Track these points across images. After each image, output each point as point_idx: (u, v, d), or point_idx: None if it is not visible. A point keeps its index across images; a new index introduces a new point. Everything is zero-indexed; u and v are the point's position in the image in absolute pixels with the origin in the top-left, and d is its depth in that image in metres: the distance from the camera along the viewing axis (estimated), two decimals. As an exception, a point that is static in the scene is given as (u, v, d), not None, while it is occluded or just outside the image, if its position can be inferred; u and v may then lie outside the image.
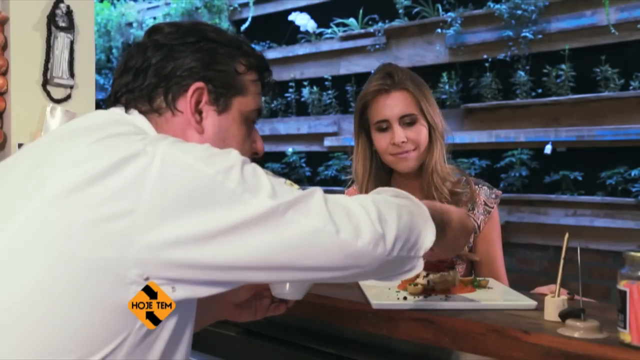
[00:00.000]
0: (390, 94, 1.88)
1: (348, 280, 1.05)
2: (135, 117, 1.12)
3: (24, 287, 0.91)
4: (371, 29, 4.75)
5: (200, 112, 1.13)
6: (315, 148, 5.09)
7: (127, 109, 1.13)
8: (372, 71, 2.03)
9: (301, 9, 5.18)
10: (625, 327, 1.06)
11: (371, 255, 0.98)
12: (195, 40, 1.14)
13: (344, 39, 4.94)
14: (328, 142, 4.94)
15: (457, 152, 4.05)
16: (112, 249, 0.90)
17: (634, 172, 3.58)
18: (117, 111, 1.13)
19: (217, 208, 0.92)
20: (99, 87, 6.20)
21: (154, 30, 1.18)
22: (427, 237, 1.08)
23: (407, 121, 1.87)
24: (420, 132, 1.88)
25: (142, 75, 1.13)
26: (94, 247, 0.90)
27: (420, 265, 1.08)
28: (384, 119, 1.88)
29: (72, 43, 2.39)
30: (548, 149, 3.87)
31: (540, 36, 3.98)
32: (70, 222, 0.91)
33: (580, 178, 3.80)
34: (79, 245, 0.90)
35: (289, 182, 1.07)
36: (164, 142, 0.96)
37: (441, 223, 1.15)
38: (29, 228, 0.92)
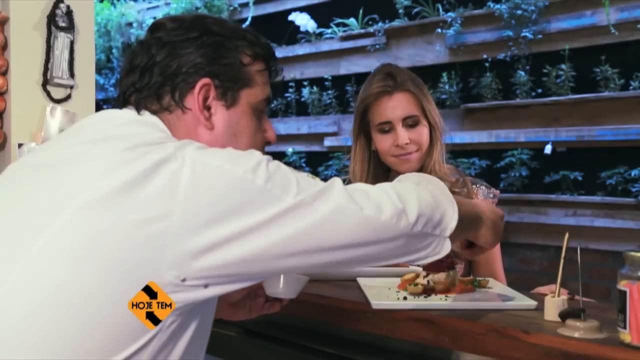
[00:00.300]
0: (393, 95, 1.89)
1: (384, 259, 1.08)
2: (150, 118, 1.12)
3: (53, 287, 0.91)
4: (371, 29, 4.75)
5: (208, 108, 1.13)
6: (315, 148, 5.08)
7: (137, 110, 1.13)
8: (373, 71, 2.03)
9: (301, 9, 5.18)
10: (625, 327, 1.06)
11: (395, 228, 1.02)
12: (198, 35, 1.13)
13: (344, 39, 4.94)
14: (328, 142, 4.94)
15: (457, 152, 4.06)
16: (148, 251, 0.92)
17: (634, 172, 3.58)
18: (131, 113, 1.13)
19: (249, 206, 0.95)
20: (99, 87, 6.20)
21: (157, 26, 1.17)
22: (453, 217, 1.11)
23: (410, 123, 1.88)
24: (422, 133, 1.89)
25: (148, 74, 1.13)
26: (129, 249, 0.92)
27: (448, 247, 1.11)
28: (386, 120, 1.89)
29: (72, 43, 2.39)
30: (548, 149, 3.87)
31: (540, 36, 3.98)
32: (106, 227, 0.92)
33: (580, 178, 3.79)
34: (110, 248, 0.92)
35: (310, 175, 1.09)
36: (190, 147, 0.99)
37: (476, 215, 1.21)
38: (63, 234, 0.92)
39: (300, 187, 0.98)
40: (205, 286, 0.96)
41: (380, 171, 1.97)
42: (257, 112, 1.18)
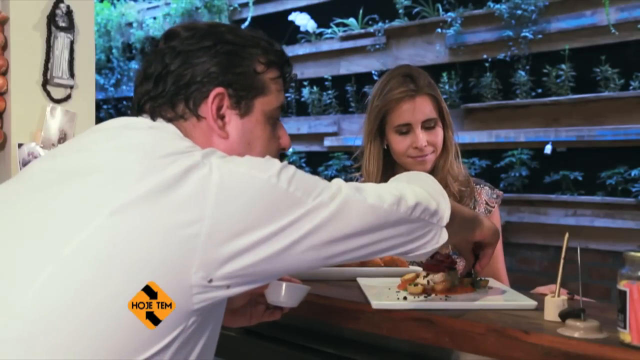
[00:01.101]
0: (415, 99, 1.91)
1: (391, 247, 1.12)
2: (168, 127, 1.13)
3: (80, 288, 0.92)
4: (371, 29, 4.75)
5: (222, 117, 1.14)
6: (315, 148, 5.09)
7: (153, 117, 1.14)
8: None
9: (301, 9, 5.18)
10: (625, 327, 1.06)
11: (397, 214, 1.09)
12: (212, 44, 1.14)
13: (344, 39, 4.94)
14: (328, 142, 4.94)
15: (457, 152, 4.06)
16: (177, 255, 0.94)
17: (634, 172, 3.58)
18: (148, 120, 1.14)
19: (276, 211, 0.99)
20: (99, 87, 6.20)
21: (170, 35, 1.18)
22: (447, 207, 1.17)
23: (428, 125, 1.91)
24: (439, 134, 1.93)
25: (162, 83, 1.14)
26: (157, 253, 0.94)
27: (445, 236, 1.17)
28: (406, 122, 1.91)
29: (72, 43, 2.39)
30: (548, 149, 3.87)
31: (540, 36, 3.98)
32: (136, 230, 0.94)
33: (580, 178, 3.79)
34: (139, 251, 0.93)
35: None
36: (214, 156, 1.01)
37: (473, 215, 1.32)
38: (94, 238, 0.94)
39: (318, 188, 1.03)
40: (228, 287, 0.99)
41: (390, 169, 1.99)
42: (271, 119, 1.19)
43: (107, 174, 0.99)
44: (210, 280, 0.96)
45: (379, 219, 1.07)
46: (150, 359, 0.95)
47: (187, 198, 0.95)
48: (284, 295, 1.28)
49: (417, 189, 1.15)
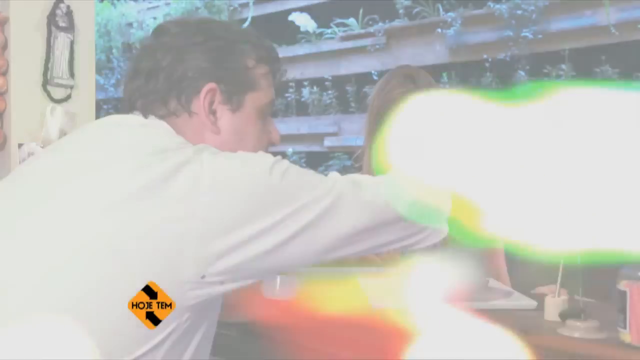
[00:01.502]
0: None
1: (389, 243, 1.11)
2: (161, 124, 1.12)
3: (73, 287, 0.92)
4: (371, 29, 4.75)
5: (214, 113, 1.14)
6: (315, 148, 5.08)
7: (144, 114, 1.14)
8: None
9: (301, 9, 5.18)
10: (625, 327, 1.06)
11: (393, 211, 1.08)
12: (203, 39, 1.14)
13: (344, 39, 4.93)
14: (328, 142, 4.94)
15: (457, 152, 4.05)
16: (169, 251, 0.94)
17: (634, 172, 3.57)
18: (140, 118, 1.14)
19: (268, 206, 0.98)
20: (99, 87, 6.20)
21: (161, 31, 1.17)
22: (447, 201, 1.15)
23: None
24: None
25: (153, 79, 1.13)
26: (150, 249, 0.93)
27: (445, 230, 1.16)
28: None
29: (72, 43, 2.39)
30: (548, 149, 3.87)
31: (540, 36, 3.98)
32: (128, 227, 0.93)
33: (580, 178, 3.79)
34: (131, 248, 0.93)
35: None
36: (206, 151, 1.01)
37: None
38: (87, 237, 0.94)
39: (312, 183, 1.02)
40: (221, 282, 0.98)
41: None
42: (262, 115, 1.19)
43: (98, 172, 0.99)
44: (204, 277, 0.96)
45: (375, 215, 1.06)
46: (143, 356, 0.94)
47: (178, 194, 0.95)
48: (280, 288, 1.28)
49: (416, 181, 1.14)
